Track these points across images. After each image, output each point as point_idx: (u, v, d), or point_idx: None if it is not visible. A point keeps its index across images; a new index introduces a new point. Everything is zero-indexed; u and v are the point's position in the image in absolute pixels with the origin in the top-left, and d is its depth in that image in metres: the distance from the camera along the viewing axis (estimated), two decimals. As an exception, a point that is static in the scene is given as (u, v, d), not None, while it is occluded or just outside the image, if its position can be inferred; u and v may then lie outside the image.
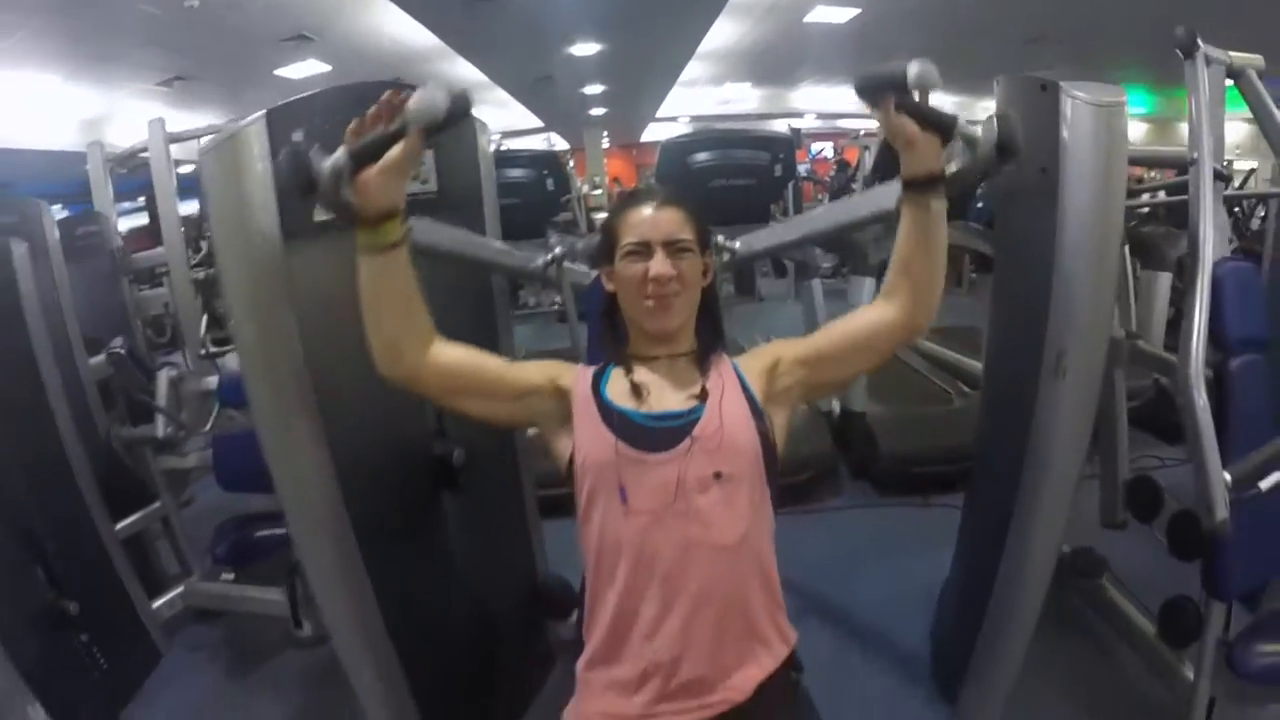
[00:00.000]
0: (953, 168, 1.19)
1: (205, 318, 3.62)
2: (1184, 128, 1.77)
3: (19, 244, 2.33)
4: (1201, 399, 1.50)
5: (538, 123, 15.76)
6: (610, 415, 1.17)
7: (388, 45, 8.33)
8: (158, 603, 2.64)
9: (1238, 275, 1.66)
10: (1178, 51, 1.78)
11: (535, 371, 1.26)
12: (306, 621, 2.51)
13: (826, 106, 17.59)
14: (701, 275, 1.25)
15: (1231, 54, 1.90)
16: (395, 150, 1.00)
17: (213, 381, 2.67)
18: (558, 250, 1.77)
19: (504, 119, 15.07)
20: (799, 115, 18.34)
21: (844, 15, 8.39)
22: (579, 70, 9.89)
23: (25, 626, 2.06)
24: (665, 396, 1.20)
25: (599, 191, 13.65)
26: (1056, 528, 1.69)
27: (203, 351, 3.53)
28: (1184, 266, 2.83)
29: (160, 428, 2.58)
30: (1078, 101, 1.38)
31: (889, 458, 3.30)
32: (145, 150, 3.88)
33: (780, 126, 19.91)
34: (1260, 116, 1.95)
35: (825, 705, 1.31)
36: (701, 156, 3.43)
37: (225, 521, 2.55)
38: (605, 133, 17.11)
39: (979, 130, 1.17)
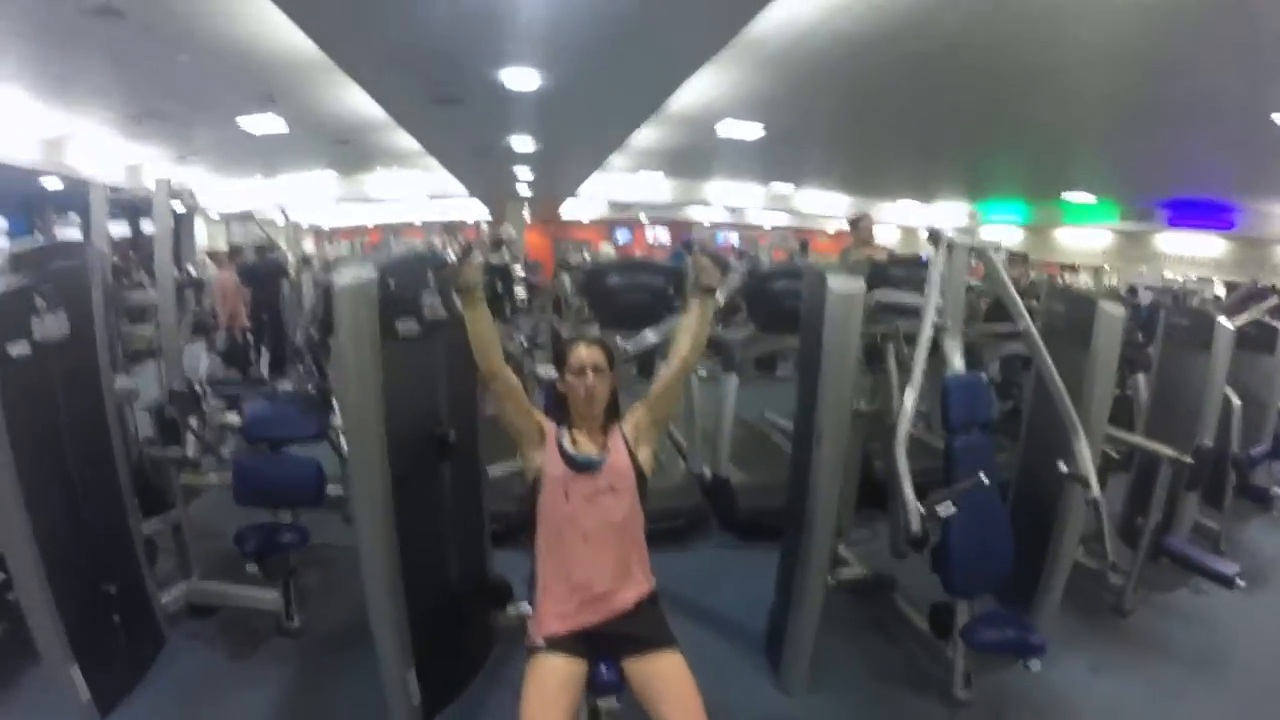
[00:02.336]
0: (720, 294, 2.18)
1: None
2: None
3: (96, 289, 2.92)
4: (902, 457, 2.42)
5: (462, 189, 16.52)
6: (564, 453, 2.10)
7: (344, 114, 9.05)
8: (165, 596, 3.15)
9: (961, 383, 2.70)
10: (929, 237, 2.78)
11: (535, 414, 2.17)
12: (296, 615, 3.17)
13: (733, 201, 19.07)
14: (610, 386, 2.17)
15: (975, 238, 2.89)
16: (471, 272, 1.99)
17: (234, 417, 3.31)
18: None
19: (434, 183, 15.89)
20: (707, 205, 19.79)
21: (750, 129, 9.57)
22: (512, 157, 10.75)
23: (73, 603, 2.51)
24: (588, 447, 2.13)
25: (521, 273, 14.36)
26: (825, 545, 2.77)
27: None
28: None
29: (190, 448, 3.18)
30: (831, 290, 2.53)
31: (746, 511, 4.27)
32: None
33: (693, 213, 21.40)
34: (998, 285, 2.88)
35: (693, 663, 2.05)
36: (615, 279, 4.52)
37: (243, 528, 3.13)
38: (525, 207, 17.92)
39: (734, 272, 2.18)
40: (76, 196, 5.03)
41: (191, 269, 13.84)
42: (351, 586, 2.49)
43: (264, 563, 3.11)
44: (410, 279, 2.47)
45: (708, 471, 4.62)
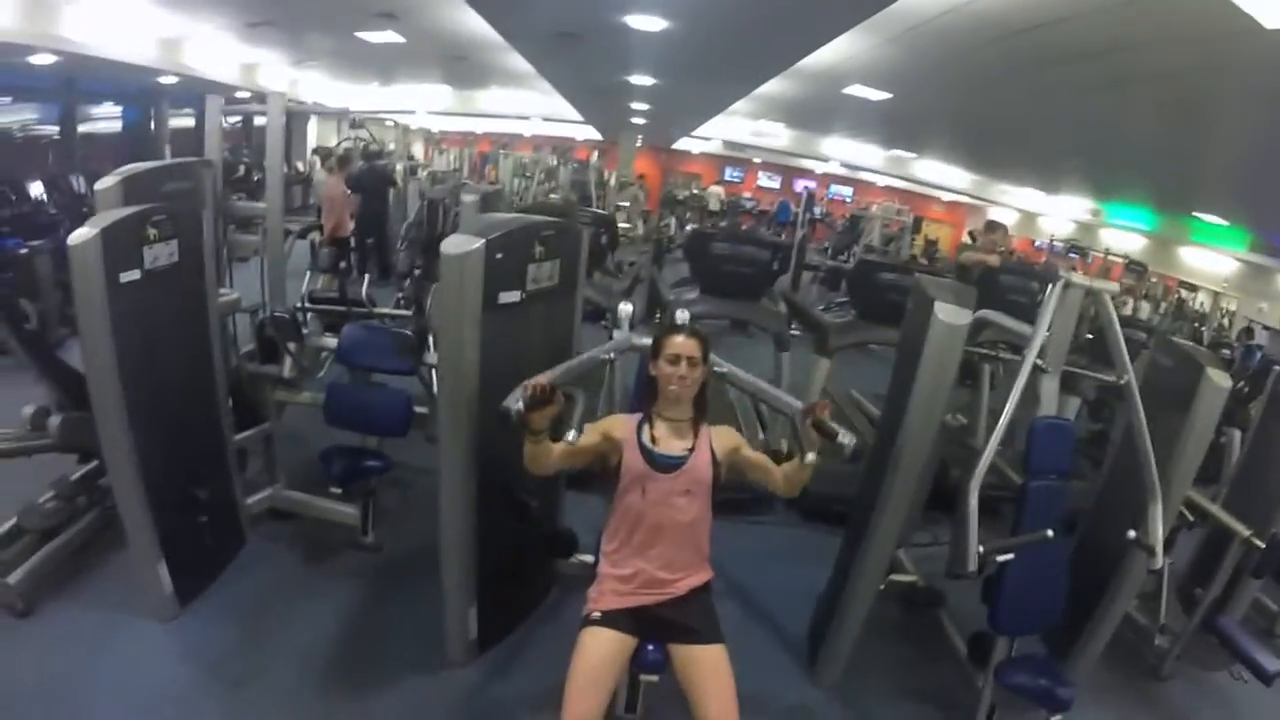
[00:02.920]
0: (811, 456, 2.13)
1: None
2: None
3: (207, 214, 3.10)
4: (974, 501, 2.39)
5: (577, 116, 16.37)
6: (645, 450, 2.16)
7: (461, 33, 9.06)
8: (250, 500, 3.40)
9: (1050, 427, 2.62)
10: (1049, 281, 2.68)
11: (596, 435, 2.20)
12: (372, 532, 3.39)
13: (851, 158, 18.46)
14: (701, 378, 2.21)
15: (1094, 281, 2.77)
16: (540, 419, 1.99)
17: (331, 341, 3.49)
18: (613, 356, 2.70)
19: (547, 105, 15.83)
20: (825, 160, 19.25)
21: (878, 96, 9.24)
22: (631, 91, 10.60)
23: (167, 503, 2.73)
24: (671, 444, 2.18)
25: (625, 204, 14.20)
26: (883, 558, 2.79)
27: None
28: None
29: (287, 369, 3.39)
30: (937, 317, 2.45)
31: (812, 495, 4.17)
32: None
33: (808, 165, 20.88)
34: (1108, 332, 2.74)
35: (732, 644, 2.16)
36: (720, 247, 4.46)
37: (328, 448, 3.35)
38: (639, 136, 17.74)
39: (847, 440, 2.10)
40: (192, 91, 5.14)
41: (300, 165, 14.59)
42: (427, 511, 2.65)
43: (348, 485, 3.30)
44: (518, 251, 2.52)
45: (784, 446, 4.60)
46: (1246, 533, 3.23)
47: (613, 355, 2.66)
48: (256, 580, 3.15)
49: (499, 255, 2.35)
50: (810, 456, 2.10)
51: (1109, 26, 4.75)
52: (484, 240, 2.30)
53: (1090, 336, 4.06)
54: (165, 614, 2.80)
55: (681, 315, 2.32)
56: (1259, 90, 5.32)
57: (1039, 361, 2.66)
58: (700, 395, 2.25)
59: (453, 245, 2.31)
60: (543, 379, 2.00)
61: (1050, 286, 2.67)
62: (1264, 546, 3.19)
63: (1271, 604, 3.98)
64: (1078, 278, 2.73)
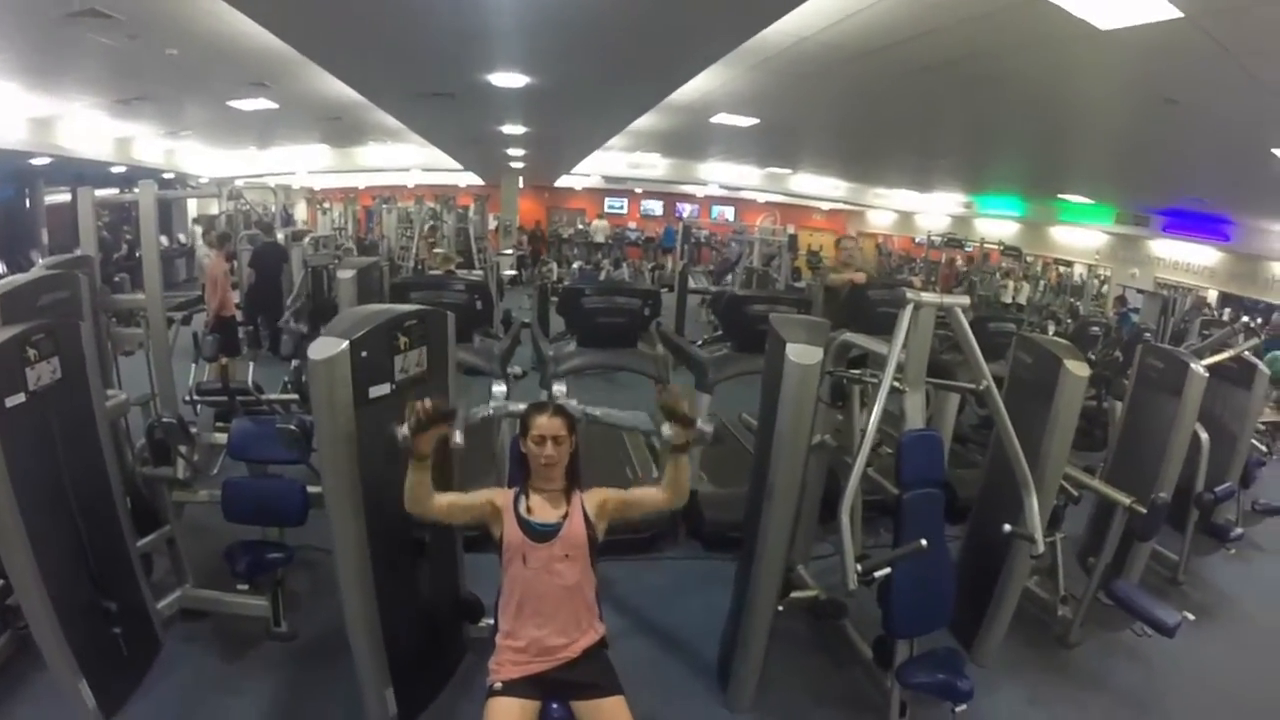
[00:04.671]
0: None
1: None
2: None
3: (85, 327, 3.04)
4: (845, 519, 2.58)
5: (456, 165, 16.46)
6: (522, 521, 2.29)
7: (333, 96, 9.01)
8: (161, 603, 3.32)
9: (916, 440, 2.83)
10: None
11: (482, 499, 2.35)
12: (284, 620, 3.35)
13: (729, 180, 18.99)
14: (569, 450, 2.34)
15: (943, 298, 2.96)
16: (425, 442, 2.17)
17: (221, 437, 3.46)
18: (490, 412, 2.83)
19: (426, 156, 15.83)
20: (704, 184, 19.77)
21: (746, 121, 9.58)
22: (505, 139, 10.72)
23: (76, 620, 2.68)
24: (547, 513, 2.30)
25: (508, 251, 14.38)
26: (774, 580, 2.93)
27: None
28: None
29: (180, 470, 3.35)
30: (789, 360, 2.67)
31: (711, 524, 4.44)
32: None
33: (688, 190, 21.35)
34: (963, 345, 2.93)
35: (645, 678, 2.30)
36: (593, 301, 4.61)
37: (231, 545, 3.34)
38: (520, 178, 17.82)
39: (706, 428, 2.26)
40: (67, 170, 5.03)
41: (182, 237, 14.16)
42: (337, 591, 2.64)
43: (253, 580, 3.29)
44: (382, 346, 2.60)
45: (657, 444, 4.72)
46: (1127, 501, 3.54)
47: (490, 412, 2.81)
48: (177, 683, 3.09)
49: (363, 354, 2.42)
50: (666, 429, 2.29)
51: (960, 39, 5.04)
52: (348, 341, 2.37)
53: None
54: (94, 730, 2.74)
55: (559, 389, 2.43)
56: (1103, 83, 5.81)
57: (896, 383, 2.86)
58: (572, 463, 2.39)
59: (318, 350, 2.36)
60: (424, 404, 2.14)
61: (900, 311, 2.86)
62: (1145, 511, 3.48)
63: (1171, 554, 4.33)
64: (927, 297, 2.91)
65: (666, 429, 2.30)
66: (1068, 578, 3.76)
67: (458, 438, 2.26)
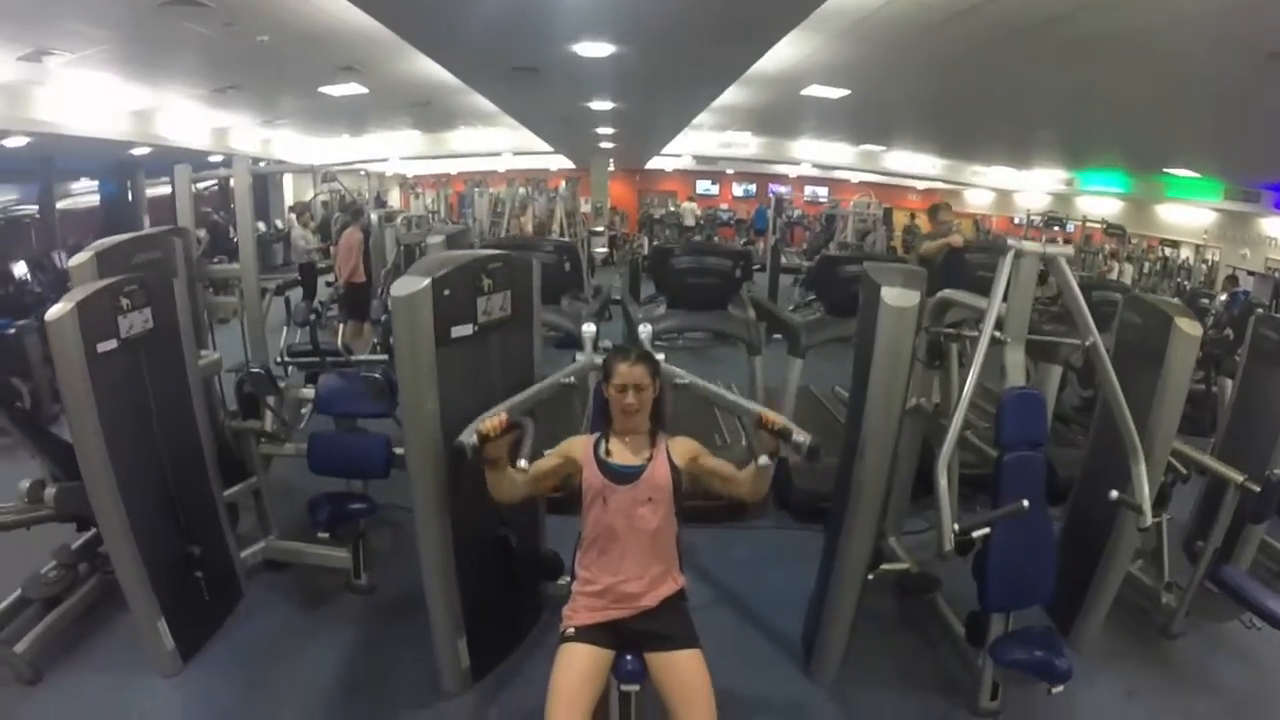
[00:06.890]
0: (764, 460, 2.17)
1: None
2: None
3: (178, 282, 3.14)
4: (943, 479, 2.41)
5: (547, 147, 16.55)
6: (602, 464, 2.23)
7: (423, 80, 9.19)
8: (244, 553, 3.44)
9: (1017, 398, 2.62)
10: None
11: (556, 458, 2.29)
12: (365, 574, 3.40)
13: (822, 158, 18.52)
14: (652, 397, 2.26)
15: (1046, 247, 2.78)
16: (496, 449, 2.11)
17: (309, 392, 3.52)
18: (573, 380, 2.72)
19: (517, 140, 15.98)
20: (797, 163, 19.37)
21: (837, 93, 9.31)
22: (594, 118, 10.67)
23: (163, 562, 2.82)
24: (628, 457, 2.24)
25: (599, 230, 14.42)
26: (864, 549, 2.77)
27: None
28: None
29: (268, 422, 3.43)
30: (885, 303, 2.49)
31: (801, 493, 4.29)
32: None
33: (780, 170, 21.01)
34: (1069, 297, 2.78)
35: (727, 647, 2.21)
36: (682, 260, 4.49)
37: (316, 496, 3.39)
38: (611, 160, 17.83)
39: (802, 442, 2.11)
40: (167, 160, 5.36)
41: (279, 223, 14.68)
42: (416, 548, 2.68)
43: (335, 530, 3.34)
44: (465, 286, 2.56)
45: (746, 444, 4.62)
46: (1240, 478, 3.23)
47: (573, 380, 2.69)
48: (255, 630, 3.19)
49: (446, 292, 2.39)
50: (763, 460, 2.16)
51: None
52: (430, 278, 2.35)
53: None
54: (169, 670, 2.86)
55: (645, 331, 2.35)
56: (1217, 39, 5.36)
57: (997, 334, 2.67)
58: (656, 409, 2.31)
59: (401, 287, 2.36)
60: (492, 420, 2.11)
61: (1000, 259, 2.68)
62: (1259, 490, 3.18)
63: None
64: (1029, 245, 2.72)
65: (764, 459, 2.16)
66: (1172, 566, 3.46)
67: (522, 464, 2.21)
